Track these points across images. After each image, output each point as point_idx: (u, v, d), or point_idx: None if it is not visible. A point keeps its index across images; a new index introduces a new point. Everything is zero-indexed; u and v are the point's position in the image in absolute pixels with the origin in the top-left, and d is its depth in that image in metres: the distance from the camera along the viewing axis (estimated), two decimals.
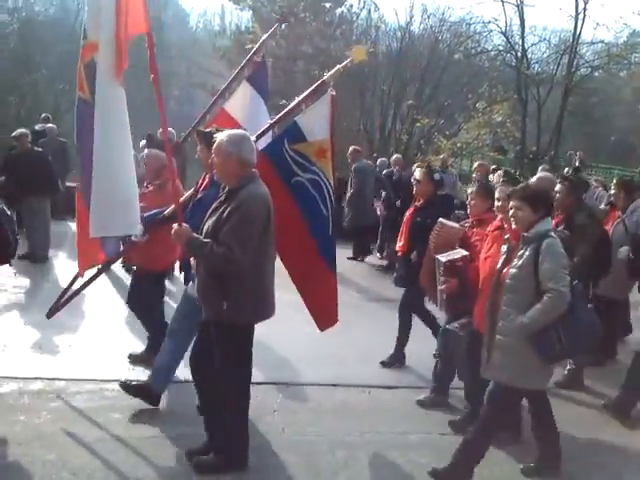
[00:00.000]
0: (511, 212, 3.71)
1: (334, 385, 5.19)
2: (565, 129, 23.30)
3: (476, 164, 9.01)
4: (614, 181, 6.44)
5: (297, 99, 4.45)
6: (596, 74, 24.72)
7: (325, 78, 4.33)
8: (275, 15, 24.06)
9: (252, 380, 3.84)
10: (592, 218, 5.12)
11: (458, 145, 20.72)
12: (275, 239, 3.69)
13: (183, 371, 4.46)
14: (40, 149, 9.14)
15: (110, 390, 4.70)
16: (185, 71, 36.00)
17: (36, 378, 4.82)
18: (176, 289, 7.59)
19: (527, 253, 3.60)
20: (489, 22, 22.53)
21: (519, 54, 22.11)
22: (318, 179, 4.22)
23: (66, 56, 30.65)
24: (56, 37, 30.83)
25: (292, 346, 5.87)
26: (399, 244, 5.67)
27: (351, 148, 10.44)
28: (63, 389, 4.70)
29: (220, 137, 3.58)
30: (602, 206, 6.12)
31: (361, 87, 20.79)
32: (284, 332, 5.67)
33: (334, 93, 4.28)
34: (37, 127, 11.62)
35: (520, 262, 3.61)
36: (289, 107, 4.48)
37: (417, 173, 5.58)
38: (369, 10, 23.40)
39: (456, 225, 4.74)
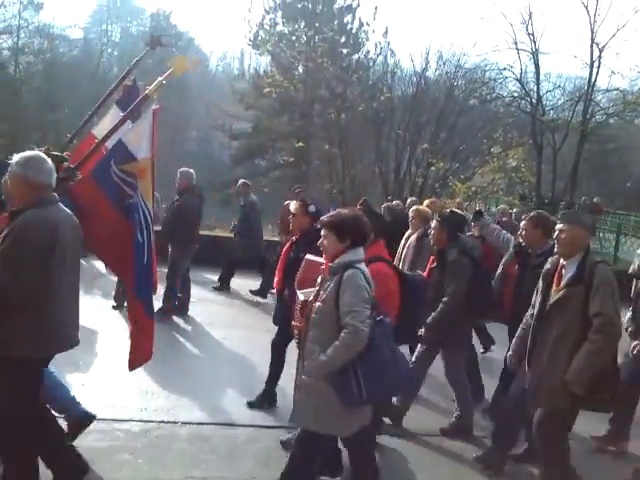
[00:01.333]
0: (320, 241, 3.50)
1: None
2: (580, 175, 23.33)
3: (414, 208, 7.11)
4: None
5: (123, 115, 4.21)
6: (611, 121, 24.87)
7: (147, 92, 4.12)
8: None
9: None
10: (464, 254, 4.96)
11: (473, 189, 20.76)
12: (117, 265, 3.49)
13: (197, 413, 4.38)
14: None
15: (122, 430, 4.65)
16: (204, 113, 36.71)
17: None
18: (191, 328, 7.59)
19: (331, 285, 3.33)
20: (504, 69, 22.88)
21: (534, 100, 22.33)
22: (138, 202, 3.93)
23: (88, 95, 31.46)
24: (79, 77, 31.72)
25: None
26: (275, 279, 5.38)
27: (240, 181, 10.37)
28: None
29: (13, 158, 3.40)
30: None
31: (377, 131, 21.00)
32: None
33: (157, 107, 4.11)
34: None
35: (324, 295, 3.35)
36: (114, 125, 4.14)
37: (291, 206, 5.29)
38: (385, 56, 23.84)
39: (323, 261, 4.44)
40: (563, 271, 3.83)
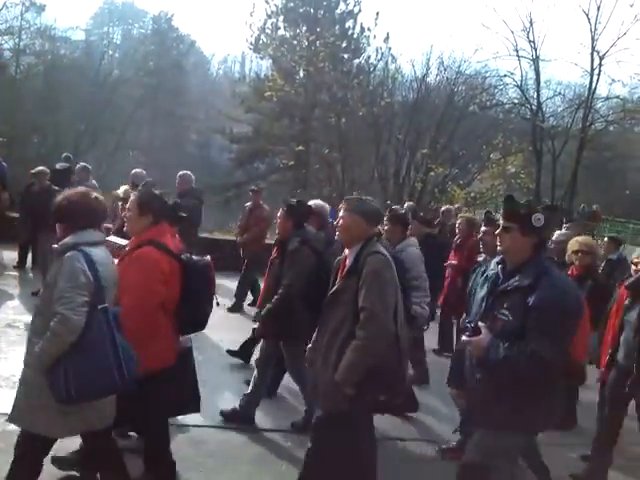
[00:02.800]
0: None
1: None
2: (579, 182, 23.34)
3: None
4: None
5: None
6: (611, 128, 24.89)
7: None
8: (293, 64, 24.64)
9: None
10: (305, 244, 4.77)
11: (472, 195, 20.78)
12: None
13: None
14: (57, 187, 9.23)
15: None
16: (204, 116, 36.75)
17: None
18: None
19: (54, 269, 3.07)
20: (505, 75, 22.91)
21: (534, 107, 22.35)
22: None
23: (88, 98, 31.56)
24: (79, 80, 31.72)
25: None
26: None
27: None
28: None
29: None
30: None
31: (376, 135, 21.04)
32: None
33: None
34: (58, 166, 11.78)
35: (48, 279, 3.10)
36: None
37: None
38: (386, 61, 23.88)
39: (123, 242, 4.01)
40: (347, 262, 3.55)
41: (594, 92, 22.19)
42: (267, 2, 27.89)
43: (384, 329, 3.31)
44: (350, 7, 28.53)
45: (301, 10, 28.33)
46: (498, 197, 21.72)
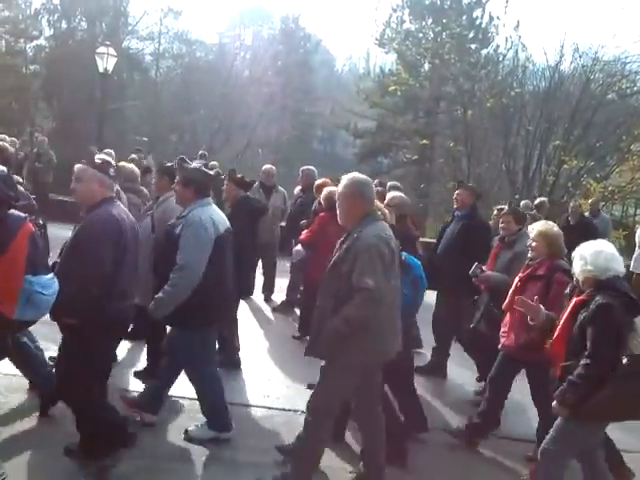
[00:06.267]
0: None
1: None
2: None
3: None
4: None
5: None
6: None
7: None
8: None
9: None
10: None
11: (609, 189, 19.51)
12: None
13: None
14: None
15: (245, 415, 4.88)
16: (329, 112, 37.31)
17: None
18: None
19: None
20: None
21: None
22: None
23: (221, 98, 33.14)
24: (213, 81, 33.32)
25: None
26: None
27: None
28: None
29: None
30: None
31: (505, 127, 20.34)
32: None
33: None
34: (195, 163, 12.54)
35: None
36: None
37: None
38: (516, 50, 22.98)
39: None
40: None
41: None
42: None
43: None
44: None
45: (427, 2, 27.96)
46: (639, 191, 20.29)
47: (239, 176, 6.28)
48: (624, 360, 3.54)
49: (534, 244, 4.77)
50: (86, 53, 21.94)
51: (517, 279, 4.85)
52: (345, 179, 3.95)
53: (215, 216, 4.48)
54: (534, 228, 4.84)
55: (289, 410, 5.32)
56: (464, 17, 26.96)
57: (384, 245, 3.69)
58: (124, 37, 31.54)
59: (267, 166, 9.22)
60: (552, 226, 4.87)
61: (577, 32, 47.14)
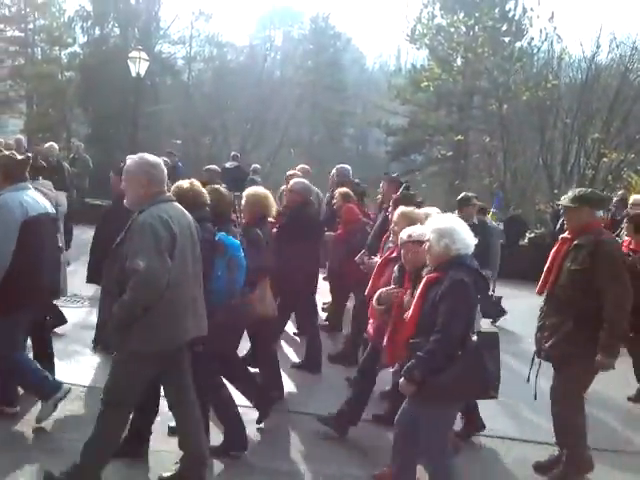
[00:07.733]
0: None
1: None
2: None
3: None
4: None
5: None
6: None
7: None
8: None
9: None
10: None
11: None
12: None
13: None
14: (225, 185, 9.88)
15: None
16: (361, 110, 37.15)
17: None
18: None
19: None
20: None
21: None
22: None
23: (252, 99, 33.29)
24: (244, 82, 33.48)
25: None
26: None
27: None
28: None
29: None
30: None
31: (541, 120, 19.93)
32: None
33: None
34: (227, 165, 12.55)
35: None
36: None
37: None
38: (551, 42, 22.51)
39: None
40: None
41: None
42: None
43: None
44: None
45: None
46: None
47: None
48: (474, 337, 3.46)
49: (395, 228, 4.73)
50: (119, 59, 22.21)
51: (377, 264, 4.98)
52: (130, 159, 3.74)
53: (27, 198, 4.35)
54: (397, 213, 4.84)
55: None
56: (496, 10, 26.56)
57: (161, 225, 3.46)
58: (156, 41, 31.92)
59: (303, 166, 9.15)
60: (412, 209, 4.87)
61: (614, 21, 46.08)
